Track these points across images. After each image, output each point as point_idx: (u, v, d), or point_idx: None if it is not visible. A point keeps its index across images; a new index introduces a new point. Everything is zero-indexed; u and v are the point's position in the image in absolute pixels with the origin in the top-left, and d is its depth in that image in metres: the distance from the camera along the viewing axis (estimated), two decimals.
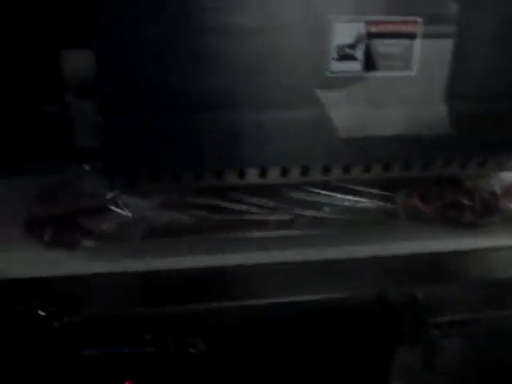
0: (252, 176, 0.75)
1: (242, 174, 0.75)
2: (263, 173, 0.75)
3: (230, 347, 0.73)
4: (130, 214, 0.74)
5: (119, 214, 0.74)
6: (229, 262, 0.77)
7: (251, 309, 0.73)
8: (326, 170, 0.76)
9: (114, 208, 0.75)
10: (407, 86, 0.73)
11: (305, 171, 0.75)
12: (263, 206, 0.80)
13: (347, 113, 0.74)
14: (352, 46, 0.70)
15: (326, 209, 0.81)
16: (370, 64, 0.71)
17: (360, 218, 0.82)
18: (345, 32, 0.70)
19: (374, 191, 0.82)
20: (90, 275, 0.75)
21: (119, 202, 0.75)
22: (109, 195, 0.75)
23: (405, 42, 0.71)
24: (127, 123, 0.70)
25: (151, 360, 0.70)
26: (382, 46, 0.71)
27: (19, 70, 0.85)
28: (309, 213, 0.80)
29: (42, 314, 0.71)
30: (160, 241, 0.77)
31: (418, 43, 0.71)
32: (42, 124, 0.85)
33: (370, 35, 0.70)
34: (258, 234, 0.79)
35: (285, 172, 0.75)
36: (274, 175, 0.75)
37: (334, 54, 0.70)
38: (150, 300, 0.75)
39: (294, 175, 0.76)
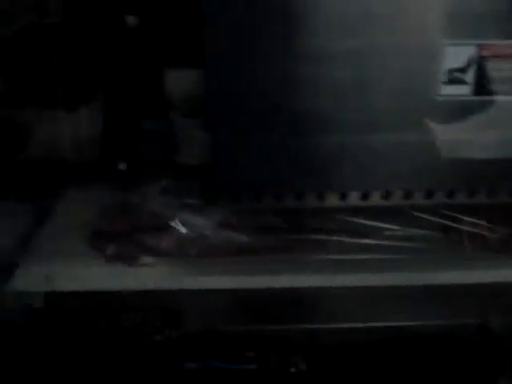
0: (353, 198, 0.75)
1: (343, 196, 0.74)
2: (365, 195, 0.75)
3: (329, 368, 0.73)
4: (188, 232, 0.75)
5: (178, 231, 0.75)
6: (322, 283, 0.76)
7: (351, 331, 0.73)
8: (429, 194, 0.75)
9: (173, 226, 0.75)
10: None
11: (408, 195, 0.75)
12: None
13: (453, 136, 0.72)
14: (462, 70, 0.69)
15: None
16: (480, 88, 0.70)
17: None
18: (455, 55, 0.69)
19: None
20: (188, 291, 0.76)
21: (179, 221, 0.76)
22: (169, 213, 0.76)
23: None
24: (234, 143, 0.72)
25: (252, 377, 0.70)
26: (493, 70, 0.69)
27: (129, 86, 0.88)
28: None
29: (148, 326, 0.73)
30: (244, 259, 0.77)
31: None
32: (146, 140, 0.87)
33: (481, 59, 0.69)
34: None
35: (388, 195, 0.75)
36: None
37: (444, 78, 0.69)
38: (248, 317, 0.76)
39: (397, 198, 0.75)
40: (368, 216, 0.77)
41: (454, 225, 0.77)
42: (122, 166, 0.79)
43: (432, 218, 0.77)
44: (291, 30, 0.67)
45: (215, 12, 0.66)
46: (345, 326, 0.73)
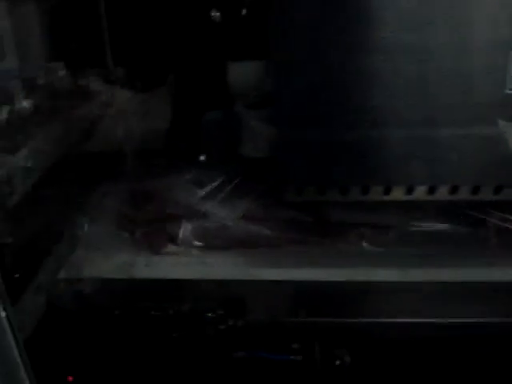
0: (420, 192, 0.74)
1: (410, 190, 0.74)
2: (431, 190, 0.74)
3: (375, 362, 0.72)
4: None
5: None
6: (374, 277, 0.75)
7: (400, 326, 0.72)
8: (497, 189, 0.74)
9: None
10: None
11: (475, 190, 0.74)
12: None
13: None
14: None
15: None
16: None
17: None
18: None
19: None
20: (250, 281, 0.77)
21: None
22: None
23: None
24: (299, 137, 0.72)
25: (297, 368, 0.71)
26: None
27: (195, 76, 0.89)
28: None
29: (210, 315, 0.74)
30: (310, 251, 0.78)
31: None
32: (209, 130, 0.89)
33: None
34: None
35: (455, 190, 0.74)
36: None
37: None
38: (306, 309, 0.76)
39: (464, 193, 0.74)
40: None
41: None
42: (202, 158, 0.80)
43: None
44: (361, 22, 0.66)
45: (284, 3, 0.66)
46: (395, 320, 0.72)
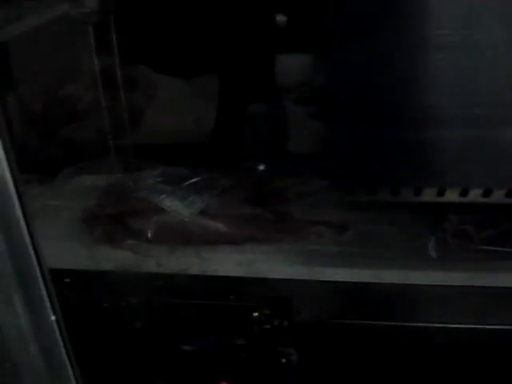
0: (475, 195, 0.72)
1: (464, 193, 0.71)
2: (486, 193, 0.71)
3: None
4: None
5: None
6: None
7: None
8: None
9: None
10: None
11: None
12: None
13: None
14: None
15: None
16: None
17: None
18: None
19: None
20: (299, 280, 0.75)
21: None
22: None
23: None
24: (350, 134, 0.70)
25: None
26: None
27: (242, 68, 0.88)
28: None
29: (256, 315, 0.73)
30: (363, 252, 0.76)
31: None
32: (255, 123, 0.87)
33: None
34: None
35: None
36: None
37: None
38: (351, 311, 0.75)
39: None
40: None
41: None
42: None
43: None
44: (419, 20, 0.63)
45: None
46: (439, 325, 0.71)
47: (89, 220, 0.80)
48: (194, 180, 0.81)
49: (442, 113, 0.67)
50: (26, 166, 0.88)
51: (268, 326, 0.73)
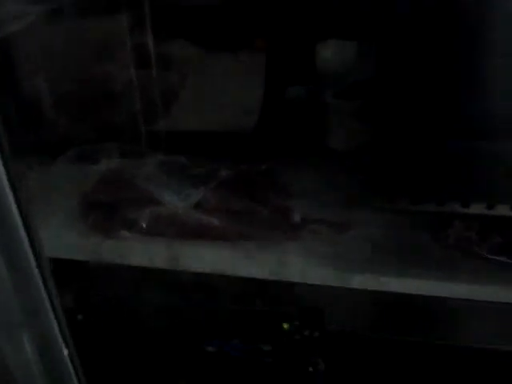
0: None
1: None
2: None
3: None
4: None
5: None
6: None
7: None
8: None
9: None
10: None
11: None
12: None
13: None
14: None
15: None
16: None
17: None
18: None
19: None
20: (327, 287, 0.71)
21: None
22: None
23: None
24: (395, 139, 0.64)
25: None
26: None
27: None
28: None
29: (286, 326, 0.70)
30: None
31: None
32: (292, 115, 0.82)
33: None
34: None
35: None
36: None
37: None
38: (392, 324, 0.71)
39: None
40: None
41: None
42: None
43: None
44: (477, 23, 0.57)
45: None
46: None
47: (84, 207, 0.77)
48: (193, 170, 0.78)
49: (502, 123, 0.61)
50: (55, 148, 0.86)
51: (298, 337, 0.70)
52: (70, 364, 0.44)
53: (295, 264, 0.68)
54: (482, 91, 0.60)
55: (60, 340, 0.43)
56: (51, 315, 0.42)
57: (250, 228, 0.71)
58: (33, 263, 0.40)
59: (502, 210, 0.65)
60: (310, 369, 0.72)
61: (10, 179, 0.38)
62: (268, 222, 0.72)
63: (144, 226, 0.73)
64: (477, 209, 0.66)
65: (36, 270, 0.40)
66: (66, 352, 0.43)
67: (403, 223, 0.70)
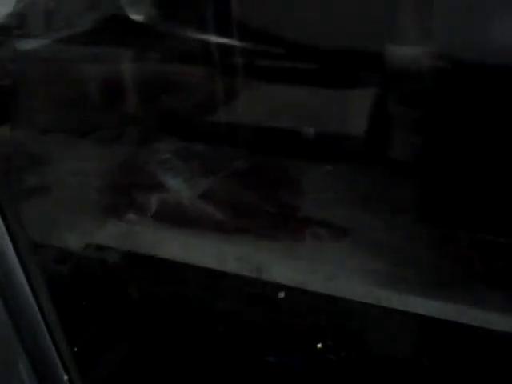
0: None
1: None
2: None
3: None
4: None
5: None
6: None
7: None
8: None
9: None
10: None
11: None
12: None
13: None
14: None
15: None
16: None
17: None
18: None
19: None
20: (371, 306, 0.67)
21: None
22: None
23: None
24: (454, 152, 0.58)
25: None
26: None
27: None
28: None
29: (319, 346, 0.67)
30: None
31: None
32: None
33: None
34: None
35: None
36: None
37: None
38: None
39: None
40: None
41: None
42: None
43: None
44: None
45: None
46: None
47: (99, 190, 0.79)
48: (207, 159, 0.79)
49: None
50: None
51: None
52: None
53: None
54: None
55: (59, 364, 0.42)
56: (48, 340, 0.41)
57: (249, 224, 0.71)
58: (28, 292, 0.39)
59: None
60: None
61: None
62: (270, 218, 0.71)
63: (151, 211, 0.73)
64: None
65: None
66: (65, 378, 0.43)
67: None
